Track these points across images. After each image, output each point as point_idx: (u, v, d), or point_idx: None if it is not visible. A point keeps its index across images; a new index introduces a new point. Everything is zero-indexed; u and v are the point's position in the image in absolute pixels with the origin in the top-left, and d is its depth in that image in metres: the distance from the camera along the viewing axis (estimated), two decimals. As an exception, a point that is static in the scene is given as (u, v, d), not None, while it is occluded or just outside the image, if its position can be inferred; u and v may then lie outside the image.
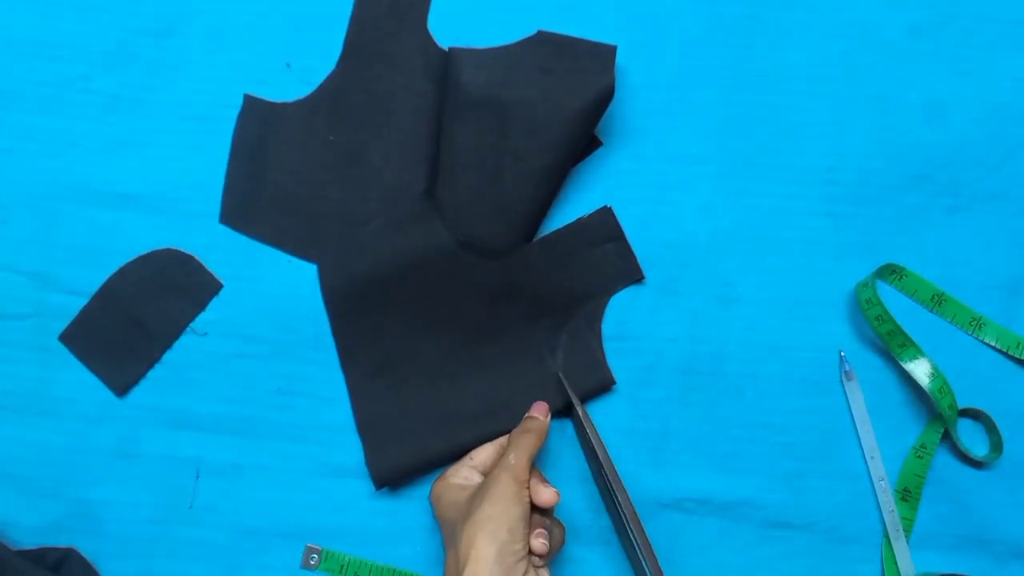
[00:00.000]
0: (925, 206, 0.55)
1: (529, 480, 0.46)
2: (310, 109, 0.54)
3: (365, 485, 0.52)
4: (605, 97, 0.51)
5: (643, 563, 0.48)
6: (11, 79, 0.54)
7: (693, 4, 0.56)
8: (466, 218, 0.52)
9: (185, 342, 0.53)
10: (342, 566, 0.51)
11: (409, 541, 0.52)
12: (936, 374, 0.51)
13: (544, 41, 0.52)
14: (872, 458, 0.53)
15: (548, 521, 0.48)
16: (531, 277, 0.53)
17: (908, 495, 0.53)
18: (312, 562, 0.52)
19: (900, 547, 0.52)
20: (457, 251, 0.52)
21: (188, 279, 0.53)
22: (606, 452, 0.51)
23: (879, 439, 0.53)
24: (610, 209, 0.53)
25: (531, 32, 0.53)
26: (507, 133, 0.51)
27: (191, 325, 0.53)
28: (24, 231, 0.53)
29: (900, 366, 0.52)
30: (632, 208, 0.54)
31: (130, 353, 0.52)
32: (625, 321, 0.53)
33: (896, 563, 0.52)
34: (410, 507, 0.52)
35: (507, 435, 0.51)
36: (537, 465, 0.52)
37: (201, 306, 0.53)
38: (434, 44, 0.54)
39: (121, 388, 0.52)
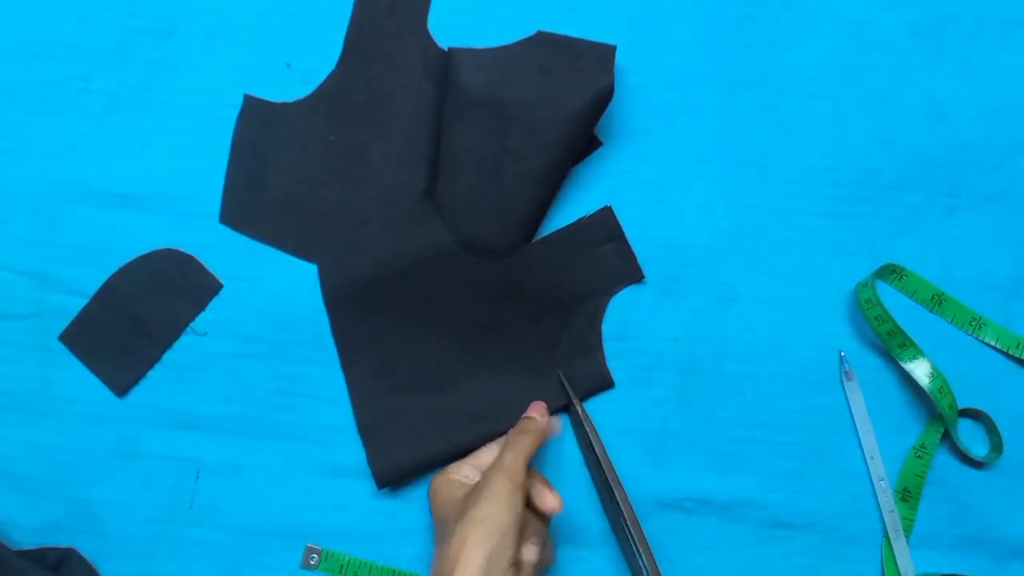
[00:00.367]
0: (925, 206, 0.55)
1: (524, 482, 0.45)
2: (310, 109, 0.54)
3: (365, 485, 0.52)
4: (605, 97, 0.51)
5: (641, 563, 0.48)
6: (11, 79, 0.54)
7: (693, 4, 0.56)
8: (466, 218, 0.52)
9: (185, 342, 0.53)
10: (342, 566, 0.51)
11: (409, 541, 0.52)
12: (936, 374, 0.51)
13: (544, 41, 0.52)
14: (872, 458, 0.53)
15: (544, 530, 0.47)
16: (531, 277, 0.53)
17: (908, 495, 0.53)
18: (312, 562, 0.52)
19: (900, 547, 0.52)
20: (457, 251, 0.52)
21: (188, 279, 0.53)
22: (605, 452, 0.51)
23: (879, 439, 0.53)
24: (610, 209, 0.53)
25: (531, 32, 0.53)
26: (507, 133, 0.51)
27: (191, 325, 0.53)
28: (24, 231, 0.53)
29: (900, 366, 0.52)
30: (632, 208, 0.54)
31: (130, 353, 0.52)
32: (625, 321, 0.53)
33: (896, 563, 0.52)
34: (410, 507, 0.52)
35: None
36: (536, 465, 0.52)
37: (201, 306, 0.53)
38: (434, 44, 0.54)
39: (121, 388, 0.52)
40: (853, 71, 0.56)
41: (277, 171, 0.54)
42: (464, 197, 0.52)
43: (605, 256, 0.54)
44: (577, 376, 0.53)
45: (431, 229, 0.53)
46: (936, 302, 0.54)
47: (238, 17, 0.55)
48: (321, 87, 0.54)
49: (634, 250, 0.54)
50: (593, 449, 0.51)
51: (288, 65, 0.55)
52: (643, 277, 0.53)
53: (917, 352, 0.52)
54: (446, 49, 0.54)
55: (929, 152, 0.55)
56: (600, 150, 0.54)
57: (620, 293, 0.54)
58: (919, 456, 0.53)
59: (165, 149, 0.54)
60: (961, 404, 0.52)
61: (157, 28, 0.54)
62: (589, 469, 0.52)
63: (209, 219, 0.53)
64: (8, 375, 0.52)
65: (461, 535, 0.43)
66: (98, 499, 0.52)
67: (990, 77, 0.56)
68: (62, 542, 0.51)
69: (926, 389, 0.51)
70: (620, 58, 0.52)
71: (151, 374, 0.52)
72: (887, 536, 0.52)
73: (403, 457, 0.52)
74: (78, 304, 0.52)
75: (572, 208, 0.54)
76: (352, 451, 0.52)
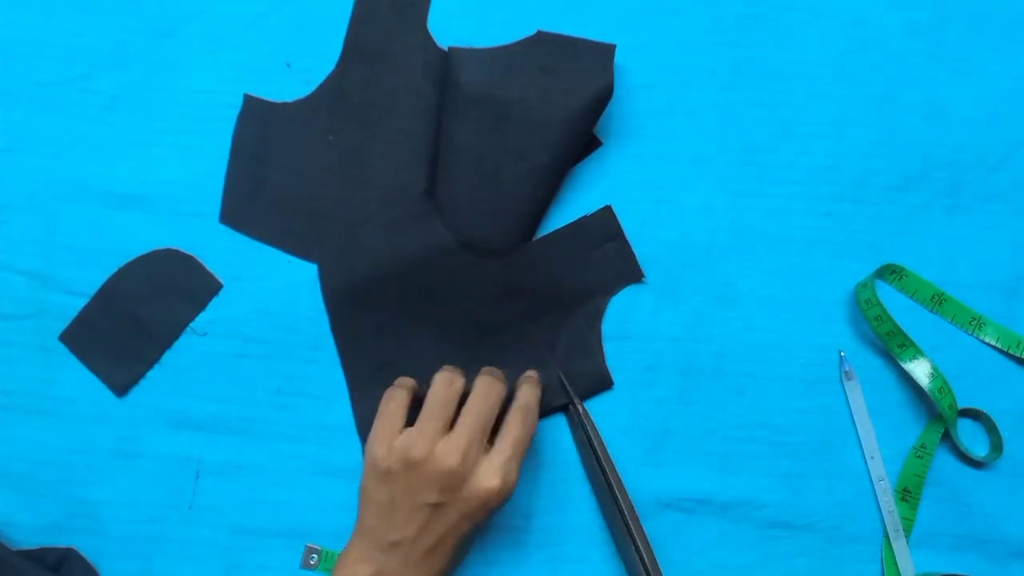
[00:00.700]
0: (925, 206, 0.55)
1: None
2: (310, 109, 0.54)
3: (365, 485, 0.52)
4: (604, 96, 0.51)
5: (642, 564, 0.48)
6: (11, 79, 0.54)
7: (693, 4, 0.56)
8: (466, 217, 0.52)
9: (185, 342, 0.53)
10: (342, 566, 0.51)
11: (409, 541, 0.52)
12: (936, 374, 0.51)
13: (543, 41, 0.52)
14: (872, 458, 0.53)
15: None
16: (531, 277, 0.53)
17: (908, 495, 0.53)
18: (312, 562, 0.52)
19: (900, 547, 0.52)
20: (457, 250, 0.52)
21: (188, 279, 0.53)
22: (606, 451, 0.51)
23: (879, 439, 0.53)
24: (610, 209, 0.53)
25: (531, 32, 0.53)
26: (507, 132, 0.51)
27: (191, 325, 0.53)
28: (24, 231, 0.53)
29: (900, 366, 0.52)
30: (632, 208, 0.54)
31: (130, 353, 0.52)
32: (625, 321, 0.53)
33: (896, 563, 0.52)
34: (410, 507, 0.52)
35: None
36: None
37: (201, 306, 0.53)
38: (434, 44, 0.54)
39: (121, 388, 0.52)
40: (853, 71, 0.56)
41: (277, 171, 0.54)
42: (464, 196, 0.52)
43: (605, 256, 0.54)
44: (577, 376, 0.53)
45: (431, 229, 0.53)
46: (936, 302, 0.54)
47: (238, 17, 0.55)
48: (321, 87, 0.54)
49: (634, 250, 0.54)
50: (592, 449, 0.51)
51: (288, 65, 0.55)
52: (643, 277, 0.53)
53: (917, 352, 0.52)
54: (446, 49, 0.54)
55: (929, 152, 0.55)
56: (600, 150, 0.54)
57: (620, 293, 0.54)
58: (919, 456, 0.53)
59: (165, 149, 0.54)
60: (961, 404, 0.52)
61: (157, 28, 0.54)
62: (587, 470, 0.52)
63: (209, 219, 0.53)
64: (8, 375, 0.52)
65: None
66: (98, 499, 0.52)
67: (990, 77, 0.56)
68: (62, 542, 0.51)
69: (926, 389, 0.51)
70: (620, 58, 0.52)
71: (151, 374, 0.52)
72: (887, 536, 0.52)
73: None
74: (78, 304, 0.52)
75: (572, 208, 0.54)
76: (352, 451, 0.52)
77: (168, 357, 0.52)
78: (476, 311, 0.53)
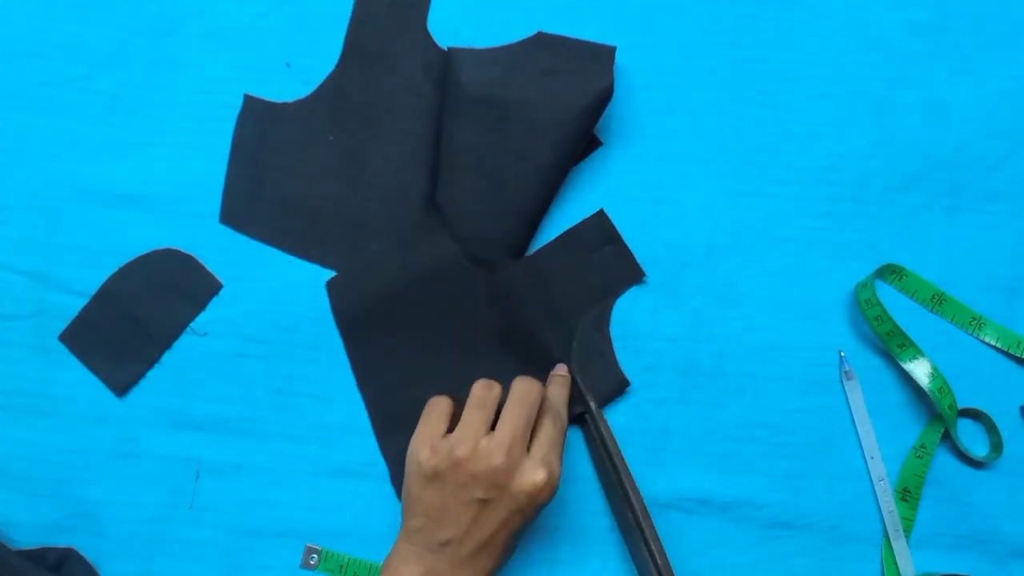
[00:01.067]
0: (925, 206, 0.55)
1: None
2: (310, 109, 0.54)
3: (365, 485, 0.52)
4: (604, 97, 0.51)
5: (652, 566, 0.48)
6: (11, 79, 0.54)
7: (693, 4, 0.56)
8: (467, 218, 0.52)
9: (185, 342, 0.53)
10: (342, 566, 0.51)
11: (409, 541, 0.52)
12: (936, 374, 0.51)
13: (544, 41, 0.52)
14: (872, 458, 0.53)
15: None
16: (536, 287, 0.53)
17: (908, 495, 0.53)
18: (312, 562, 0.52)
19: (900, 547, 0.52)
20: (466, 264, 0.52)
21: (188, 279, 0.53)
22: (620, 452, 0.51)
23: (879, 439, 0.53)
24: (603, 212, 0.53)
25: (531, 32, 0.53)
26: (507, 132, 0.51)
27: (191, 325, 0.53)
28: (24, 231, 0.53)
29: (900, 366, 0.52)
30: (632, 208, 0.54)
31: (130, 353, 0.52)
32: (626, 321, 0.53)
33: (896, 563, 0.52)
34: (410, 507, 0.52)
35: None
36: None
37: (201, 306, 0.53)
38: (434, 44, 0.54)
39: (121, 388, 0.52)
40: (853, 71, 0.56)
41: (277, 171, 0.54)
42: (464, 196, 0.52)
43: (604, 260, 0.54)
44: (592, 380, 0.53)
45: (439, 243, 0.52)
46: (936, 302, 0.54)
47: (238, 17, 0.55)
48: (321, 87, 0.54)
49: (634, 250, 0.54)
50: (606, 450, 0.51)
51: (288, 65, 0.55)
52: (644, 277, 0.53)
53: (917, 352, 0.52)
54: (446, 49, 0.54)
55: (929, 152, 0.55)
56: (600, 150, 0.54)
57: (621, 294, 0.54)
58: (919, 456, 0.53)
59: (165, 149, 0.54)
60: (961, 404, 0.52)
61: (157, 28, 0.54)
62: (598, 471, 0.52)
63: (209, 219, 0.53)
64: (8, 375, 0.52)
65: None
66: (98, 499, 0.52)
67: (990, 77, 0.56)
68: (62, 542, 0.51)
69: (926, 389, 0.51)
70: (620, 58, 0.52)
71: (151, 374, 0.52)
72: (887, 536, 0.52)
73: None
74: (78, 304, 0.52)
75: (572, 208, 0.54)
76: (352, 451, 0.52)
77: (168, 357, 0.52)
78: (487, 323, 0.53)
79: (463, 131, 0.52)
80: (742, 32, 0.56)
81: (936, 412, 0.52)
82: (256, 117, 0.54)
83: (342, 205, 0.54)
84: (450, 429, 0.47)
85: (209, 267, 0.53)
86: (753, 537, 0.53)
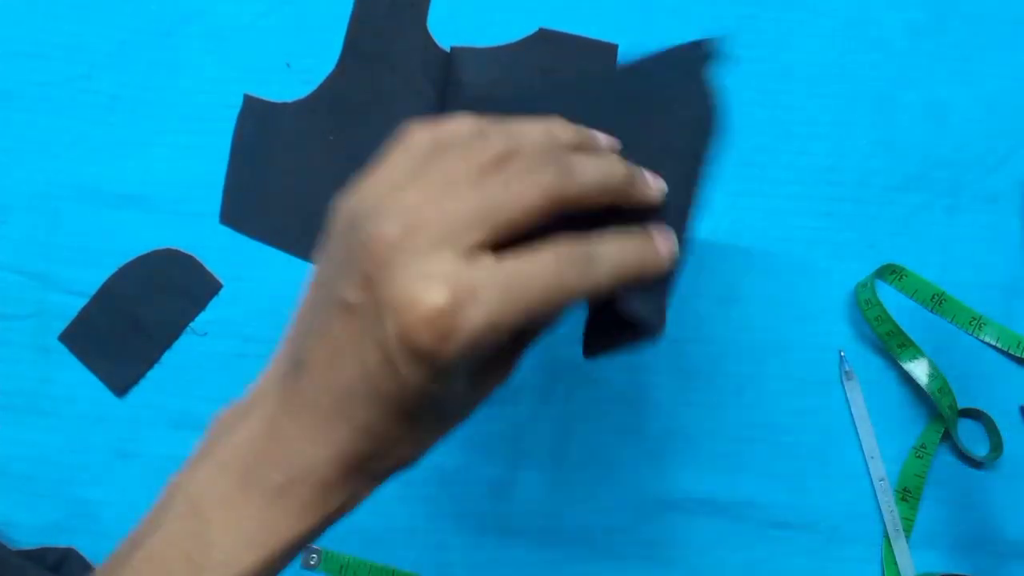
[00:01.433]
0: (925, 206, 0.55)
1: None
2: (310, 109, 0.54)
3: (365, 485, 0.52)
4: None
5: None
6: (11, 79, 0.54)
7: (693, 4, 0.56)
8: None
9: (185, 342, 0.53)
10: (342, 566, 0.51)
11: (410, 541, 0.52)
12: (936, 374, 0.51)
13: (546, 40, 0.52)
14: (872, 458, 0.53)
15: None
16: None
17: (908, 495, 0.53)
18: (312, 562, 0.52)
19: (900, 547, 0.52)
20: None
21: (188, 279, 0.53)
22: None
23: (879, 439, 0.53)
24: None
25: (531, 32, 0.53)
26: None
27: (191, 325, 0.52)
28: (24, 231, 0.53)
29: (900, 366, 0.52)
30: (632, 208, 0.54)
31: (130, 353, 0.52)
32: (625, 321, 0.53)
33: (896, 563, 0.52)
34: (410, 508, 0.52)
35: None
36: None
37: (201, 306, 0.53)
38: (434, 44, 0.54)
39: (121, 388, 0.52)
40: (853, 71, 0.56)
41: (277, 171, 0.54)
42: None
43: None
44: None
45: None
46: (936, 302, 0.54)
47: (238, 17, 0.55)
48: (321, 87, 0.54)
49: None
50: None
51: (288, 65, 0.55)
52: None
53: (917, 352, 0.52)
54: (446, 49, 0.54)
55: (929, 152, 0.55)
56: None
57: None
58: (919, 456, 0.53)
59: (165, 149, 0.54)
60: (961, 404, 0.52)
61: (157, 28, 0.54)
62: None
63: (209, 219, 0.53)
64: (8, 375, 0.52)
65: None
66: (98, 499, 0.51)
67: (990, 77, 0.56)
68: (62, 542, 0.51)
69: (926, 389, 0.51)
70: (620, 58, 0.52)
71: (151, 374, 0.52)
72: (887, 536, 0.52)
73: None
74: (78, 304, 0.52)
75: (572, 208, 0.54)
76: (352, 451, 0.52)
77: (168, 357, 0.52)
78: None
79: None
80: (742, 32, 0.56)
81: (936, 412, 0.52)
82: (256, 117, 0.54)
83: (342, 205, 0.54)
84: None
85: (209, 267, 0.53)
86: (753, 537, 0.53)
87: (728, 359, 0.54)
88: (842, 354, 0.54)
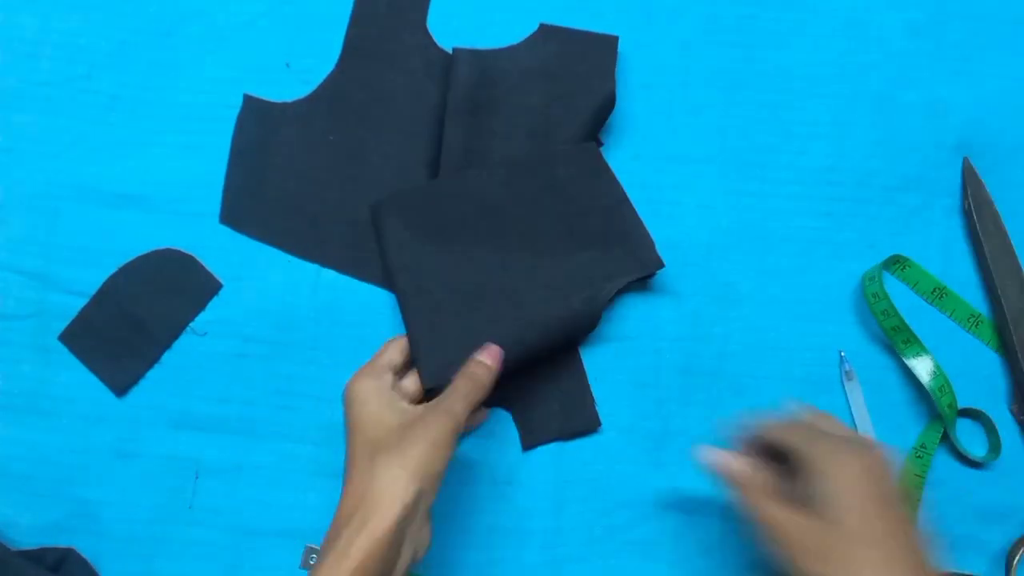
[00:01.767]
0: (924, 206, 0.55)
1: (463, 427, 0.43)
2: (310, 109, 0.54)
3: (365, 485, 0.52)
4: (607, 103, 0.51)
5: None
6: (11, 79, 0.54)
7: (693, 4, 0.56)
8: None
9: (185, 342, 0.53)
10: (342, 566, 0.51)
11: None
12: (938, 373, 0.51)
13: (548, 40, 0.52)
14: (872, 458, 0.53)
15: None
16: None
17: (908, 495, 0.53)
18: (312, 562, 0.52)
19: (900, 547, 0.52)
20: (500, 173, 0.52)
21: (188, 279, 0.53)
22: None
23: (879, 439, 0.53)
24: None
25: (529, 32, 0.53)
26: (510, 135, 0.51)
27: (191, 325, 0.53)
28: (24, 231, 0.53)
29: (900, 366, 0.52)
30: (632, 208, 0.54)
31: (130, 353, 0.52)
32: (625, 321, 0.53)
33: (896, 563, 0.52)
34: (410, 507, 0.52)
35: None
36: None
37: (201, 306, 0.53)
38: (434, 44, 0.55)
39: (121, 388, 0.52)
40: (853, 71, 0.56)
41: (277, 171, 0.54)
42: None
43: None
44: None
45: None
46: (937, 295, 0.54)
47: (238, 17, 0.55)
48: (321, 87, 0.54)
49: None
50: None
51: (288, 65, 0.55)
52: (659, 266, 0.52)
53: (921, 349, 0.52)
54: (446, 49, 0.54)
55: (929, 152, 0.55)
56: (600, 150, 0.54)
57: (621, 294, 0.54)
58: (919, 456, 0.53)
59: (165, 149, 0.54)
60: (961, 404, 0.52)
61: (157, 28, 0.54)
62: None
63: (209, 219, 0.53)
64: (8, 375, 0.52)
65: (395, 474, 0.41)
66: (98, 499, 0.51)
67: (990, 77, 0.56)
68: (62, 542, 0.51)
69: (927, 387, 0.51)
70: (620, 58, 0.52)
71: (151, 374, 0.52)
72: (887, 536, 0.52)
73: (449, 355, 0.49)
74: (78, 304, 0.52)
75: (572, 208, 0.54)
76: (352, 451, 0.52)
77: (168, 357, 0.52)
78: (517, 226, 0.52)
79: (466, 132, 0.52)
80: (742, 32, 0.56)
81: (936, 413, 0.52)
82: (256, 117, 0.54)
83: (342, 205, 0.54)
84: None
85: (209, 267, 0.53)
86: (753, 537, 0.52)
87: (728, 359, 0.54)
88: (842, 354, 0.54)
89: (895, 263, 0.54)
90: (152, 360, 0.52)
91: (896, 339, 0.52)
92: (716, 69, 0.55)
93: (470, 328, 0.50)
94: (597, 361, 0.53)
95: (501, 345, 0.47)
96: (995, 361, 0.54)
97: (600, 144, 0.54)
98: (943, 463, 0.53)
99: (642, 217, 0.54)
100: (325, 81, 0.54)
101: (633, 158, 0.55)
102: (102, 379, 0.52)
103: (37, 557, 0.50)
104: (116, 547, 0.51)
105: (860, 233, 0.55)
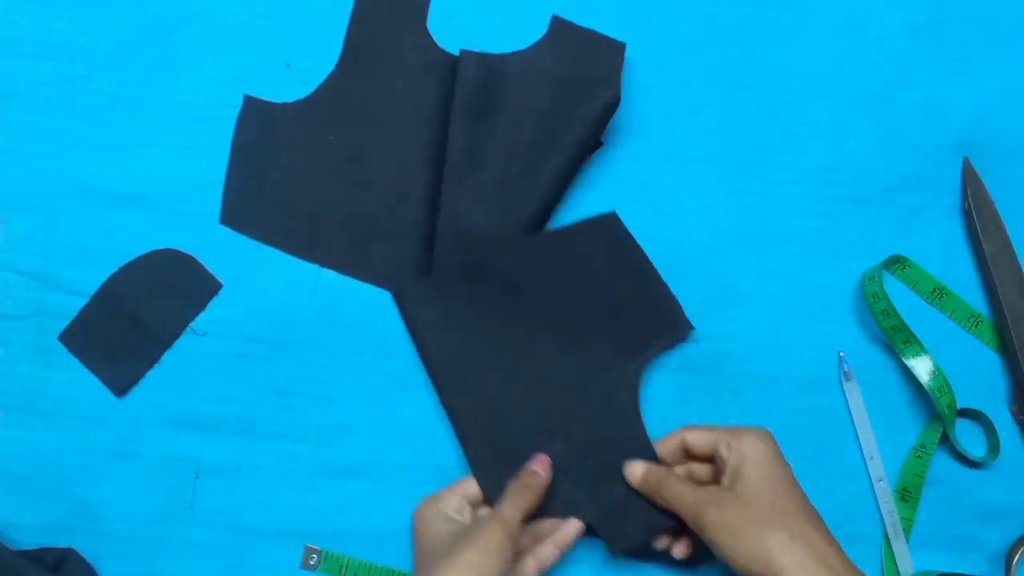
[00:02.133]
0: (925, 206, 0.55)
1: (516, 535, 0.45)
2: (310, 109, 0.54)
3: (365, 485, 0.52)
4: (611, 104, 0.51)
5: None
6: (11, 79, 0.54)
7: (693, 4, 0.56)
8: (468, 219, 0.52)
9: (185, 342, 0.53)
10: (341, 566, 0.51)
11: (409, 541, 0.52)
12: (937, 372, 0.51)
13: (554, 45, 0.53)
14: (871, 458, 0.53)
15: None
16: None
17: (907, 495, 0.53)
18: (312, 562, 0.52)
19: (900, 547, 0.52)
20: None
21: (188, 279, 0.53)
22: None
23: (878, 439, 0.53)
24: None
25: (530, 33, 0.53)
26: (514, 137, 0.52)
27: (191, 325, 0.53)
28: (24, 231, 0.53)
29: (900, 366, 0.53)
30: (632, 208, 0.54)
31: (130, 353, 0.52)
32: (625, 321, 0.53)
33: (896, 563, 0.52)
34: (409, 507, 0.52)
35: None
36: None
37: (201, 306, 0.53)
38: (434, 44, 0.54)
39: (121, 388, 0.52)
40: (853, 71, 0.56)
41: (277, 171, 0.54)
42: (469, 199, 0.52)
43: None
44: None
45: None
46: (937, 295, 0.54)
47: (238, 17, 0.55)
48: (321, 87, 0.54)
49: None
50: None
51: (288, 65, 0.55)
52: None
53: (920, 349, 0.52)
54: (447, 49, 0.54)
55: (929, 152, 0.55)
56: (600, 150, 0.54)
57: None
58: (918, 456, 0.53)
59: (165, 149, 0.54)
60: (961, 404, 0.52)
61: (157, 28, 0.54)
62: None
63: (209, 219, 0.53)
64: (8, 375, 0.52)
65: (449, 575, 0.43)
66: (98, 499, 0.52)
67: (990, 77, 0.56)
68: (62, 542, 0.51)
69: (926, 387, 0.51)
70: (627, 58, 0.52)
71: (151, 374, 0.52)
72: (887, 536, 0.52)
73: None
74: (78, 304, 0.52)
75: (573, 208, 0.54)
76: (352, 451, 0.52)
77: (168, 357, 0.52)
78: (554, 307, 0.53)
79: (469, 133, 0.52)
80: (742, 32, 0.56)
81: (935, 412, 0.52)
82: (256, 117, 0.54)
83: (342, 205, 0.54)
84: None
85: (209, 267, 0.53)
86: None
87: (728, 359, 0.54)
88: (841, 354, 0.54)
89: (895, 263, 0.54)
90: (152, 360, 0.52)
91: (895, 339, 0.52)
92: (716, 69, 0.55)
93: (508, 415, 0.51)
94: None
95: (540, 431, 0.50)
96: (995, 361, 0.54)
97: (600, 144, 0.54)
98: (943, 463, 0.53)
99: (642, 217, 0.54)
100: (325, 81, 0.54)
101: (633, 158, 0.55)
102: (102, 379, 0.52)
103: (37, 557, 0.50)
104: (116, 547, 0.51)
105: (860, 233, 0.55)
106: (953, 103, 0.56)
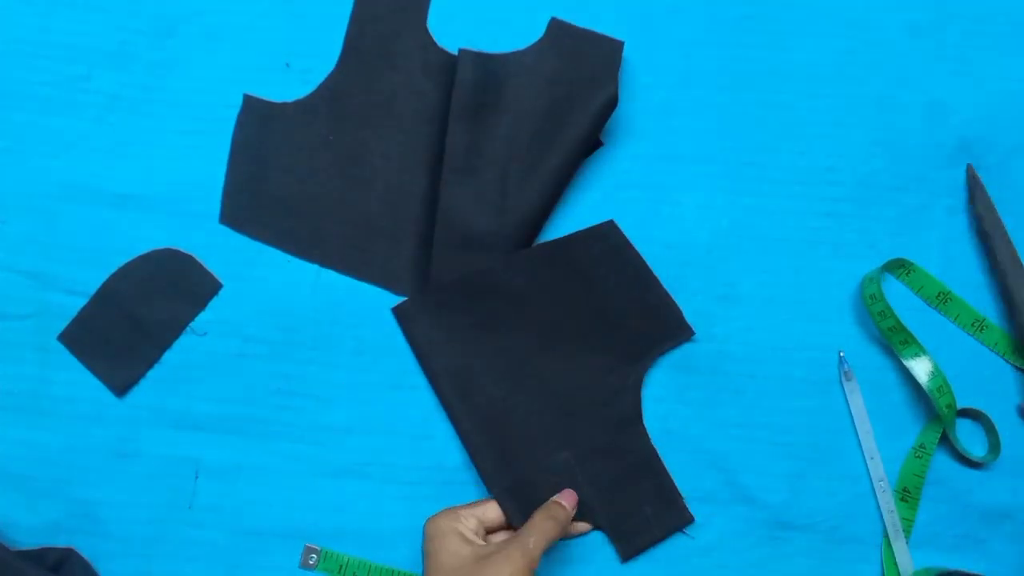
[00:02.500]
0: (925, 206, 0.55)
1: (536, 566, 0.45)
2: (310, 109, 0.54)
3: (365, 485, 0.52)
4: (610, 104, 0.51)
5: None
6: (11, 79, 0.54)
7: (693, 4, 0.56)
8: (467, 219, 0.52)
9: (185, 342, 0.53)
10: (341, 566, 0.51)
11: (409, 541, 0.52)
12: (936, 373, 0.51)
13: (552, 45, 0.53)
14: (872, 458, 0.53)
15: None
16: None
17: (907, 495, 0.53)
18: (311, 562, 0.52)
19: (900, 547, 0.52)
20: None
21: (188, 279, 0.53)
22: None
23: (878, 439, 0.53)
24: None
25: (530, 33, 0.53)
26: (513, 138, 0.51)
27: (191, 325, 0.53)
28: (24, 231, 0.53)
29: (900, 367, 0.52)
30: (632, 208, 0.54)
31: (130, 353, 0.52)
32: (625, 321, 0.54)
33: (896, 563, 0.52)
34: (410, 507, 0.52)
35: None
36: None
37: (201, 306, 0.53)
38: (434, 44, 0.54)
39: (121, 388, 0.52)
40: (853, 71, 0.56)
41: (277, 171, 0.54)
42: (468, 199, 0.52)
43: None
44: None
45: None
46: (941, 300, 0.54)
47: (238, 17, 0.55)
48: (321, 87, 0.54)
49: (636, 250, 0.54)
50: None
51: (288, 65, 0.55)
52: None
53: (919, 350, 0.52)
54: (446, 49, 0.54)
55: (929, 152, 0.55)
56: (600, 150, 0.54)
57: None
58: (918, 456, 0.53)
59: (165, 149, 0.54)
60: (961, 404, 0.52)
61: (157, 28, 0.54)
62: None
63: (209, 219, 0.53)
64: (8, 375, 0.52)
65: None
66: (98, 499, 0.52)
67: (990, 77, 0.56)
68: (62, 542, 0.51)
69: (925, 387, 0.51)
70: (624, 58, 0.52)
71: (151, 374, 0.52)
72: (887, 536, 0.52)
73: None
74: (78, 304, 0.52)
75: (573, 208, 0.54)
76: (352, 451, 0.52)
77: (168, 357, 0.52)
78: (553, 315, 0.53)
79: (469, 134, 0.52)
80: (742, 32, 0.56)
81: (935, 412, 0.52)
82: (256, 117, 0.54)
83: (342, 205, 0.54)
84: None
85: (209, 267, 0.53)
86: (753, 537, 0.53)
87: (728, 359, 0.54)
88: (841, 354, 0.54)
89: (899, 267, 0.54)
90: (152, 360, 0.52)
91: (894, 340, 0.52)
92: (716, 69, 0.55)
93: (515, 427, 0.52)
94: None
95: (547, 441, 0.51)
96: (999, 365, 0.54)
97: (600, 144, 0.54)
98: (943, 463, 0.53)
99: (642, 218, 0.54)
100: (325, 81, 0.54)
101: (633, 158, 0.55)
102: (102, 379, 0.52)
103: (37, 557, 0.50)
104: (116, 547, 0.51)
105: (861, 234, 0.55)
106: (953, 103, 0.56)
